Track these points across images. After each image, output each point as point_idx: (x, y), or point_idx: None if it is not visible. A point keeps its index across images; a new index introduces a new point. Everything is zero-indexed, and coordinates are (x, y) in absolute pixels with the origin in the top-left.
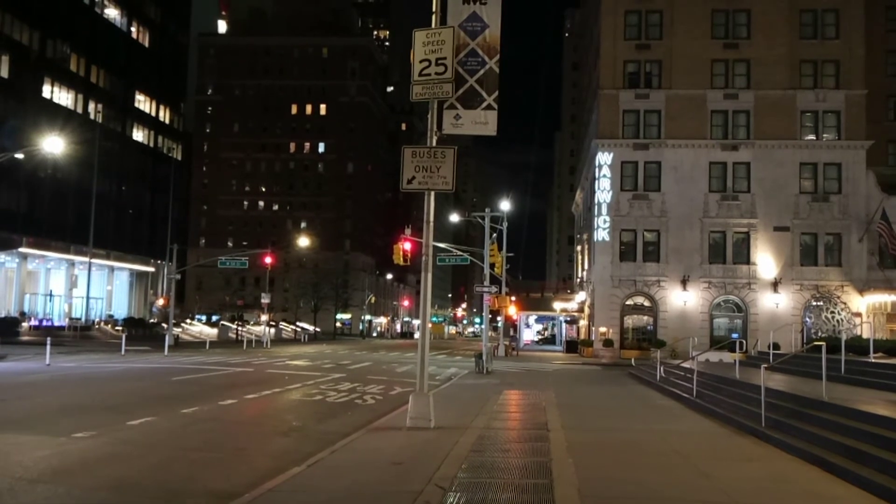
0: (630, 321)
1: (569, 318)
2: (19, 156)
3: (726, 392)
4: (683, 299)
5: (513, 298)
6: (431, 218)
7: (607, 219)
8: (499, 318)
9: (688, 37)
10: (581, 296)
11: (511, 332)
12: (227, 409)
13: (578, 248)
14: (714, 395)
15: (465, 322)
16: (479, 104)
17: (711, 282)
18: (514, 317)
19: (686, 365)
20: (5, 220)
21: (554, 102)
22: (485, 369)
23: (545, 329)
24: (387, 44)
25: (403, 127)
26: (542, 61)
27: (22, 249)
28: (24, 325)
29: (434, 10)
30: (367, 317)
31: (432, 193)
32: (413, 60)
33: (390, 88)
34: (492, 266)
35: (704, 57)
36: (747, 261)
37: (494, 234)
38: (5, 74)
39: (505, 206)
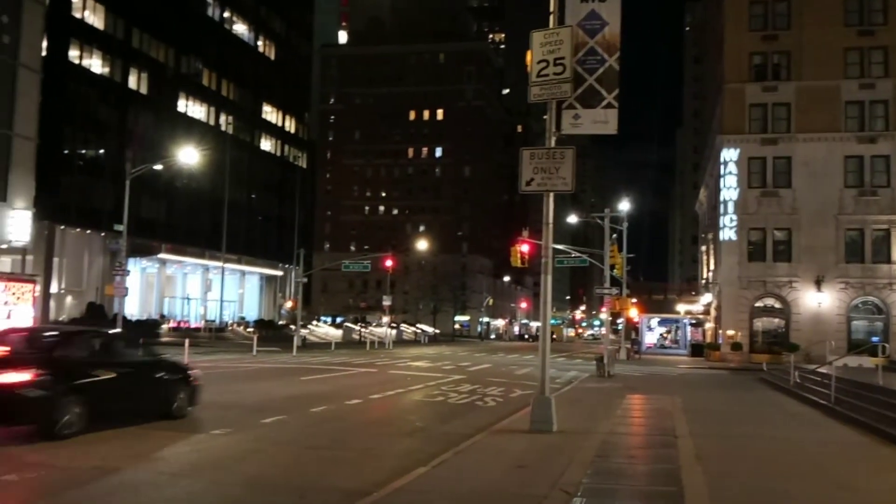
0: (759, 324)
1: (693, 321)
2: (158, 167)
3: (868, 399)
4: (818, 301)
5: (634, 300)
6: (551, 220)
7: (734, 217)
8: (619, 321)
9: (818, 25)
10: (706, 297)
11: (632, 335)
12: (353, 409)
13: (703, 248)
14: (855, 402)
15: (583, 325)
16: (598, 103)
17: (848, 282)
18: (636, 319)
19: (822, 370)
20: (146, 228)
21: (674, 98)
22: (606, 373)
23: (668, 332)
24: (502, 47)
25: (519, 129)
26: (661, 56)
27: (161, 255)
28: (164, 326)
29: (552, 10)
30: (485, 319)
31: (551, 195)
32: (530, 61)
33: (506, 91)
34: (612, 267)
35: (836, 46)
36: (888, 260)
37: (614, 235)
38: (145, 91)
39: (625, 205)
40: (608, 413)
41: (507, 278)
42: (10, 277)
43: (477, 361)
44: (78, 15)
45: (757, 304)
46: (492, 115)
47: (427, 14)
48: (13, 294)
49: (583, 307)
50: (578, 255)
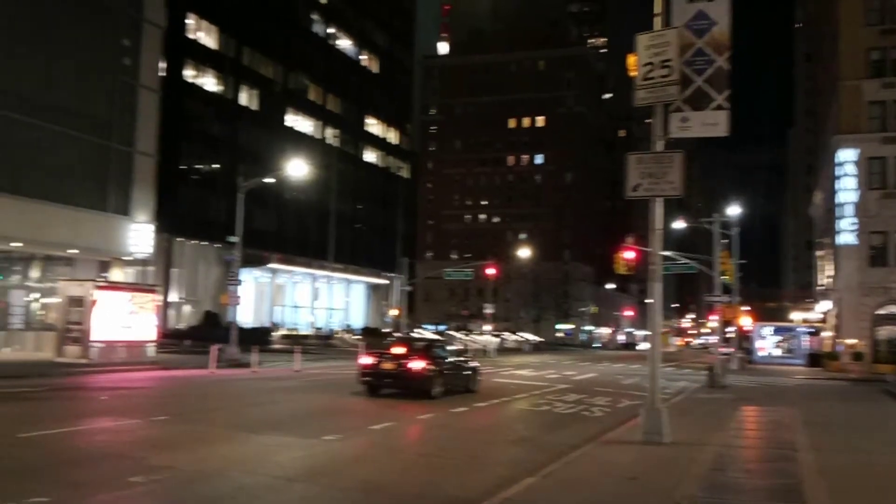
0: (883, 332)
1: (810, 330)
2: (268, 181)
3: None
4: None
5: (745, 308)
6: (658, 226)
7: (854, 220)
8: (730, 330)
9: None
10: (823, 305)
11: (744, 344)
12: (459, 417)
13: (819, 253)
14: None
15: (691, 333)
16: (708, 104)
17: None
18: (748, 328)
19: None
20: (258, 239)
21: (785, 97)
22: (717, 383)
23: (783, 341)
24: (603, 51)
25: (622, 134)
26: (770, 54)
27: (272, 265)
28: (276, 334)
29: (657, 12)
30: (589, 327)
31: (659, 200)
32: (634, 65)
33: (607, 96)
34: (722, 274)
35: None
36: None
37: (724, 241)
38: (255, 107)
39: (734, 210)
40: (721, 425)
41: (610, 286)
42: (134, 287)
43: (582, 370)
44: (192, 36)
45: (879, 312)
46: (593, 121)
47: (527, 22)
48: (137, 303)
49: (691, 315)
50: (686, 261)
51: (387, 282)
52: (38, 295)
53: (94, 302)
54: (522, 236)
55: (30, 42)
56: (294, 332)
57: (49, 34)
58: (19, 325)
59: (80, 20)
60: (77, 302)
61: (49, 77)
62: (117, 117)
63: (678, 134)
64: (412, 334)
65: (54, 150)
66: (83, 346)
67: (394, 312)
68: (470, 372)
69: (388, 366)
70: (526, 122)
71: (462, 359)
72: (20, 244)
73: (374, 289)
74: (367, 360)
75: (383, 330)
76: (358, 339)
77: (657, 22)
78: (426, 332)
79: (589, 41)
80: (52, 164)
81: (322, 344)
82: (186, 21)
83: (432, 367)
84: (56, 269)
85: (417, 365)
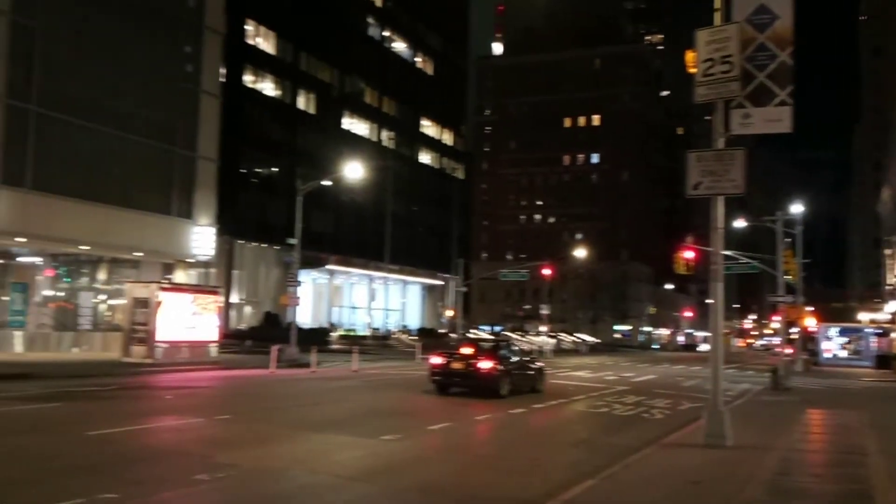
0: None
1: (878, 331)
2: (326, 183)
3: None
4: None
5: (810, 309)
6: (720, 225)
7: None
8: (794, 331)
9: None
10: (893, 305)
11: (808, 346)
12: (517, 418)
13: (888, 251)
14: None
15: (753, 334)
16: (771, 100)
17: None
18: (812, 329)
19: None
20: (315, 241)
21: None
22: (782, 385)
23: (849, 342)
24: (660, 48)
25: (680, 132)
26: (834, 48)
27: (329, 266)
28: (334, 334)
29: (717, 7)
30: (647, 328)
31: (720, 199)
32: (693, 61)
33: (665, 93)
34: (785, 273)
35: None
36: None
37: (788, 240)
38: (313, 111)
39: (797, 208)
40: (786, 428)
41: (669, 286)
42: (197, 289)
43: (640, 372)
44: (251, 42)
45: None
46: (650, 119)
47: (582, 20)
48: (200, 304)
49: (752, 316)
50: (748, 261)
51: (442, 283)
52: (105, 297)
53: (158, 303)
54: (578, 236)
55: (97, 51)
56: (351, 333)
57: (115, 43)
58: (88, 326)
59: (144, 29)
60: (142, 303)
61: (116, 85)
62: (180, 123)
63: (739, 131)
64: (469, 335)
65: (121, 155)
66: (148, 346)
67: (449, 313)
68: (536, 372)
69: (457, 366)
70: (581, 120)
71: (528, 359)
72: (88, 247)
73: (429, 290)
74: (437, 360)
75: (439, 331)
76: (414, 340)
77: (717, 17)
78: (481, 333)
79: (645, 38)
80: (118, 170)
81: (379, 344)
82: (245, 27)
83: (500, 367)
84: (122, 272)
85: (486, 365)
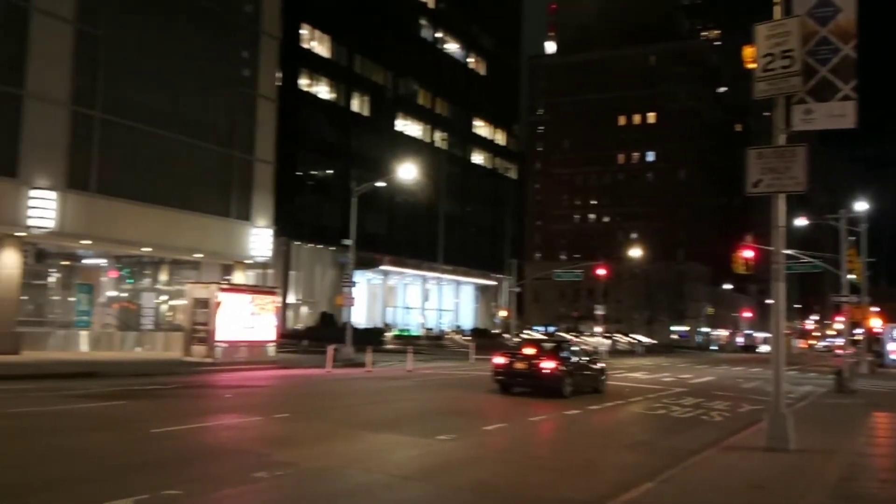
0: None
1: None
2: (380, 185)
3: None
4: None
5: (875, 309)
6: (781, 223)
7: None
8: (859, 332)
9: None
10: None
11: (874, 347)
12: (572, 419)
13: None
14: None
15: (815, 335)
16: (833, 95)
17: None
18: (878, 329)
19: None
20: (370, 242)
21: None
22: (846, 388)
23: None
24: (716, 44)
25: (738, 128)
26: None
27: (383, 267)
28: (388, 334)
29: (776, 0)
30: (705, 329)
31: (781, 196)
32: (751, 56)
33: (722, 89)
34: (849, 273)
35: None
36: None
37: (852, 238)
38: (366, 113)
39: (862, 205)
40: (852, 431)
41: (727, 286)
42: (255, 290)
43: (698, 374)
44: (306, 46)
45: None
46: (707, 116)
47: (636, 17)
48: (258, 305)
49: (814, 317)
50: (810, 260)
51: (495, 283)
52: (166, 297)
53: (218, 304)
54: (633, 235)
55: (157, 57)
56: (405, 333)
57: (175, 50)
58: (150, 326)
59: (203, 35)
60: (203, 304)
61: (176, 90)
62: (238, 127)
63: (801, 127)
64: (524, 336)
65: (181, 159)
66: (209, 345)
67: (503, 314)
68: (597, 372)
69: (520, 366)
70: (636, 118)
71: (590, 360)
72: (150, 249)
73: (482, 290)
74: (500, 360)
75: (493, 331)
76: (468, 340)
77: (777, 11)
78: (535, 334)
79: (702, 34)
80: (179, 173)
81: (432, 345)
82: (301, 31)
83: (563, 368)
84: (183, 273)
85: (549, 365)
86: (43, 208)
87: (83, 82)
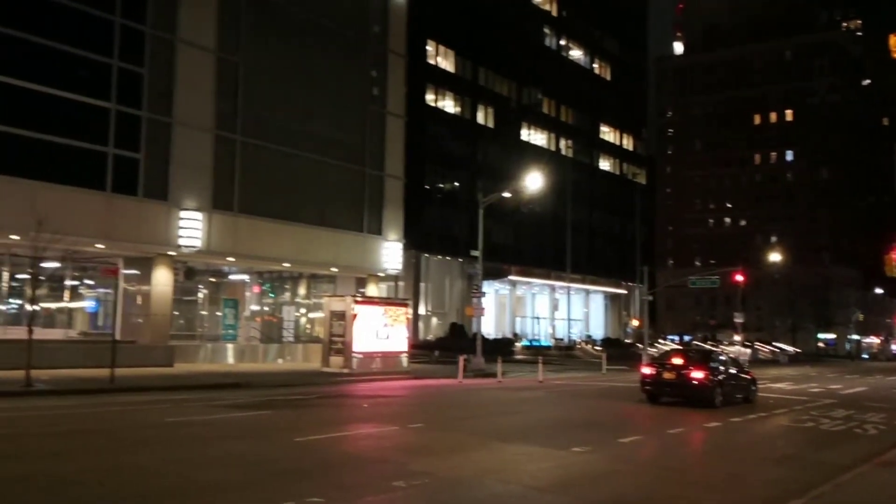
0: None
1: None
2: (506, 195)
3: None
4: None
5: None
6: None
7: None
8: None
9: None
10: None
11: None
12: (713, 432)
13: None
14: None
15: None
16: None
17: None
18: None
19: None
20: (497, 252)
21: None
22: None
23: None
24: (858, 34)
25: (885, 122)
26: None
27: (511, 277)
28: (517, 345)
29: None
30: (854, 336)
31: None
32: None
33: (866, 82)
34: None
35: None
36: None
37: None
38: (492, 125)
39: None
40: None
41: (879, 290)
42: (388, 302)
43: (849, 384)
44: (431, 62)
45: None
46: (850, 110)
47: (769, 11)
48: (390, 316)
49: None
50: None
51: (626, 291)
52: (305, 310)
53: (354, 316)
54: (773, 239)
55: (291, 80)
56: (535, 343)
57: (308, 72)
58: (290, 338)
59: (333, 57)
60: (339, 316)
61: (310, 111)
62: (368, 144)
63: None
64: (660, 345)
65: (316, 177)
66: (346, 356)
67: (635, 323)
68: (748, 382)
69: (668, 376)
70: (772, 116)
71: (739, 369)
72: (289, 264)
73: (613, 299)
74: (647, 370)
75: (625, 341)
76: (599, 351)
77: None
78: (670, 344)
79: (842, 24)
80: (313, 191)
81: (563, 355)
82: (426, 48)
83: (712, 377)
84: (320, 286)
85: (698, 375)
86: (191, 228)
87: (224, 108)
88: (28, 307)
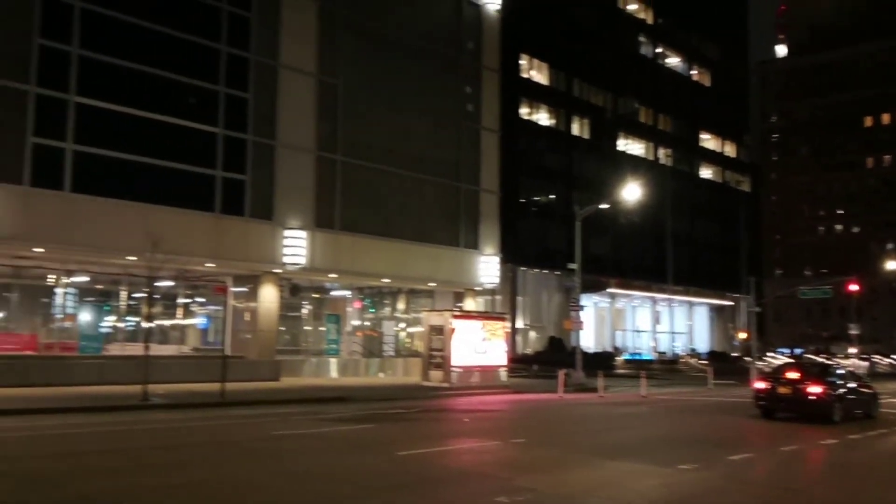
0: None
1: None
2: (604, 207)
3: None
4: None
5: None
6: None
7: None
8: None
9: None
10: None
11: None
12: (829, 450)
13: None
14: None
15: None
16: None
17: None
18: None
19: None
20: (595, 265)
21: None
22: None
23: None
24: None
25: None
26: None
27: (610, 290)
28: (618, 358)
29: None
30: None
31: None
32: None
33: None
34: None
35: None
36: None
37: None
38: (587, 136)
39: None
40: None
41: None
42: (485, 316)
43: None
44: (525, 75)
45: None
46: None
47: (877, 9)
48: (488, 330)
49: None
50: None
51: (732, 303)
52: (404, 325)
53: (452, 330)
54: (889, 246)
55: (387, 99)
56: (637, 357)
57: (405, 91)
58: (391, 353)
59: (427, 74)
60: (438, 330)
61: (406, 129)
62: (464, 159)
63: None
64: (771, 358)
65: (414, 194)
66: (445, 371)
67: (742, 335)
68: (869, 397)
69: (783, 390)
70: (885, 118)
71: (860, 383)
72: (389, 280)
73: (718, 311)
74: (761, 384)
75: (731, 354)
76: (704, 364)
77: None
78: (780, 357)
79: None
80: (411, 207)
81: (666, 369)
82: (519, 62)
83: (830, 392)
84: (418, 301)
85: (816, 389)
86: (295, 247)
87: (325, 128)
88: (144, 324)
